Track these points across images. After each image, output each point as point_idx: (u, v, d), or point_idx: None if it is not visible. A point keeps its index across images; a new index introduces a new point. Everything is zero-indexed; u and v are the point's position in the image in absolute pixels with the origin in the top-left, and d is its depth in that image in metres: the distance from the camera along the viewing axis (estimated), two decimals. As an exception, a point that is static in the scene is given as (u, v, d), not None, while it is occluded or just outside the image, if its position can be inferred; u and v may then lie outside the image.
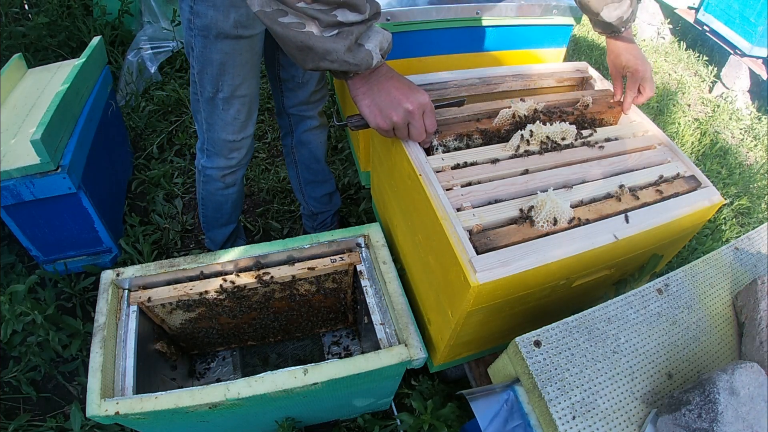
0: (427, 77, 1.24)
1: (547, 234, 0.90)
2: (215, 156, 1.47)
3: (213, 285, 1.21)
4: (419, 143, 1.04)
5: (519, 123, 1.13)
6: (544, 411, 0.76)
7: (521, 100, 1.17)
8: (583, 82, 1.36)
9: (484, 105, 1.16)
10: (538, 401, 0.77)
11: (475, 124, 1.12)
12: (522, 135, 1.08)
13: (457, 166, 1.03)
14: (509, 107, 1.14)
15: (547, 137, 1.09)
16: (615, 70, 1.24)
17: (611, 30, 1.20)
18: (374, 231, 1.28)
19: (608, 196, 1.00)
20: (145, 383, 1.13)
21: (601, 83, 1.32)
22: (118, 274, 1.17)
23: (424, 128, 0.99)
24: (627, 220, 0.94)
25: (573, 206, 0.96)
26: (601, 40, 3.70)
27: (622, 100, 1.22)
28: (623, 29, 1.20)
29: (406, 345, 1.06)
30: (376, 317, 1.18)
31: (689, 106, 3.16)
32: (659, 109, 2.96)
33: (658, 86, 3.19)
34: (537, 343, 0.80)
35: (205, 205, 1.64)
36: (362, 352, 1.09)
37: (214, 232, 1.74)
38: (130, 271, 1.18)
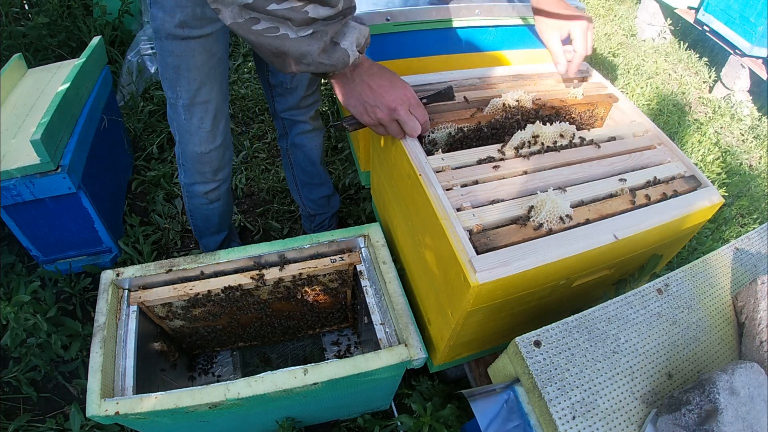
0: (427, 77, 1.23)
1: (547, 234, 0.90)
2: (191, 172, 1.44)
3: (213, 285, 1.21)
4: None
5: (509, 112, 1.14)
6: (544, 411, 0.76)
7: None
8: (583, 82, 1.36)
9: (476, 94, 1.18)
10: (538, 401, 0.77)
11: (466, 113, 1.13)
12: (522, 135, 1.08)
13: (457, 167, 1.03)
14: (500, 96, 1.14)
15: (547, 137, 1.09)
16: (549, 33, 1.16)
17: None
18: (374, 231, 1.28)
19: (608, 196, 1.00)
20: (145, 383, 1.13)
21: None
22: (118, 274, 1.17)
23: (416, 121, 0.98)
24: (626, 221, 0.94)
25: (573, 206, 0.96)
26: (601, 41, 3.71)
27: (566, 69, 1.16)
28: None
29: (406, 345, 1.06)
30: (376, 317, 1.18)
31: (689, 106, 3.15)
32: (659, 109, 2.96)
33: (658, 86, 3.19)
34: (537, 343, 0.80)
35: (193, 216, 1.63)
36: (362, 352, 1.09)
37: (207, 239, 1.73)
38: (130, 271, 1.18)
